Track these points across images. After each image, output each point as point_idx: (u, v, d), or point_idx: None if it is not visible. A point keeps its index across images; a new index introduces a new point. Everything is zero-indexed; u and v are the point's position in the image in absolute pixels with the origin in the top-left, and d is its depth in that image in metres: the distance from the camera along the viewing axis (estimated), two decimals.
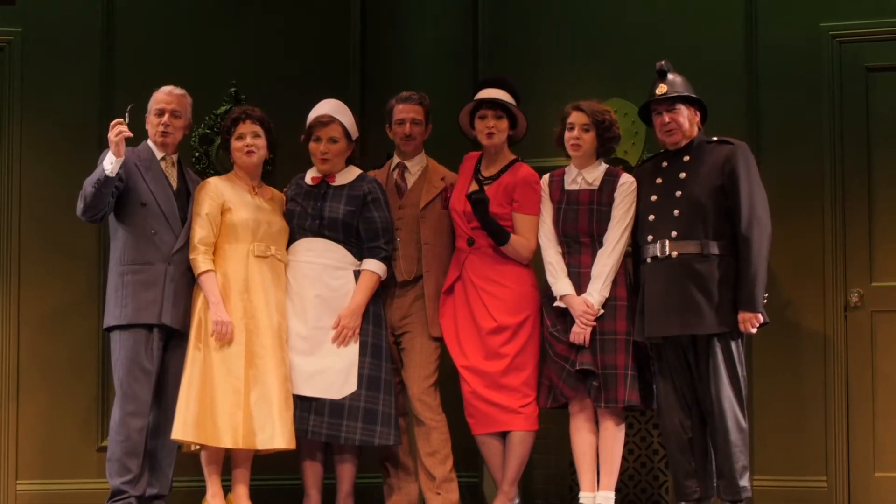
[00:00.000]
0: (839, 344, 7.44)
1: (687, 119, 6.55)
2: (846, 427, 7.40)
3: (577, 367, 6.42)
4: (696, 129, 6.60)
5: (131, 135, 6.35)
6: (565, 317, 6.50)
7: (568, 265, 6.56)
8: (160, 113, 6.63)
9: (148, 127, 6.68)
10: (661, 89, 6.55)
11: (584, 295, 6.46)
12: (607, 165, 6.66)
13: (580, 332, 6.43)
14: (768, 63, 7.63)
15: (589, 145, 6.59)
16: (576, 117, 6.59)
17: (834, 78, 7.53)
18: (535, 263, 6.72)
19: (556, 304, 6.53)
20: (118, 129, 6.30)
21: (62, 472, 7.54)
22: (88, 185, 6.40)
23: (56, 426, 7.57)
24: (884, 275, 7.45)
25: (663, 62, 6.59)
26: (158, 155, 6.65)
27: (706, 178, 6.46)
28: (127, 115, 6.42)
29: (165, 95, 6.66)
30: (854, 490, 7.39)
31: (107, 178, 6.34)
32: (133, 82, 7.31)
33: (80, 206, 6.49)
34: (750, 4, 7.68)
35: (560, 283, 6.53)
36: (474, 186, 6.73)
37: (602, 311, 6.47)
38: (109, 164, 6.32)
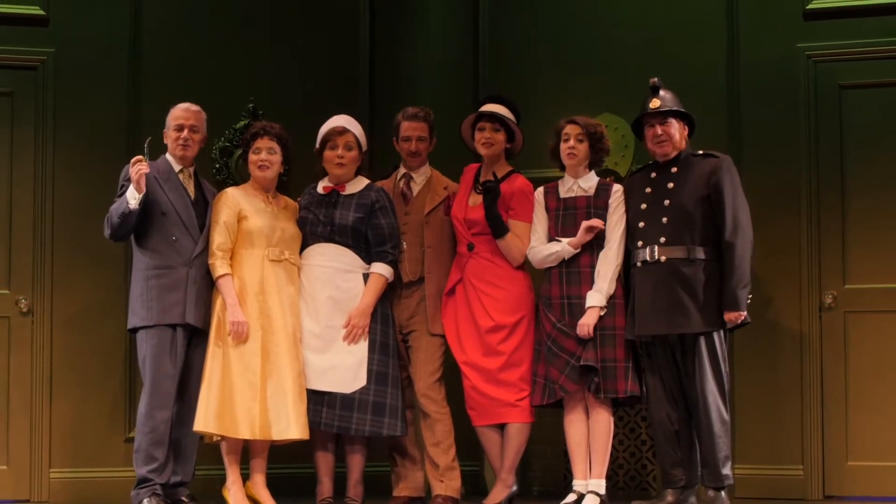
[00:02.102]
0: (814, 342, 7.47)
1: (677, 132, 6.58)
2: (821, 419, 7.43)
3: (581, 363, 6.43)
4: (684, 143, 6.62)
5: (148, 170, 6.37)
6: (573, 314, 6.51)
7: (566, 266, 6.56)
8: (179, 128, 6.63)
9: (167, 141, 6.68)
10: (655, 103, 6.57)
11: (589, 293, 6.47)
12: (598, 178, 6.70)
13: (585, 325, 6.45)
14: (749, 80, 7.66)
15: (583, 154, 6.60)
16: (570, 129, 6.61)
17: (810, 95, 7.57)
18: (532, 268, 6.76)
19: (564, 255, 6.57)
20: (138, 168, 6.34)
21: (92, 461, 7.57)
22: (115, 215, 6.44)
23: (86, 418, 7.59)
24: (856, 278, 7.48)
25: (656, 79, 6.61)
26: (176, 168, 6.65)
27: (693, 188, 6.47)
28: (146, 149, 6.45)
29: (183, 112, 6.66)
30: (828, 478, 7.42)
31: (131, 212, 6.38)
32: (157, 99, 7.30)
33: (107, 231, 6.55)
34: (732, 26, 7.71)
35: (557, 246, 6.54)
36: (476, 197, 6.78)
37: (605, 308, 6.52)
38: (133, 199, 6.35)
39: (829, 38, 7.57)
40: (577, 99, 7.66)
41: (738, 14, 7.70)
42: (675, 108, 6.58)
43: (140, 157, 6.37)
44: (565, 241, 6.55)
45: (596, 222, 6.52)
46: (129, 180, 6.43)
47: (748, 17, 7.68)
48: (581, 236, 6.52)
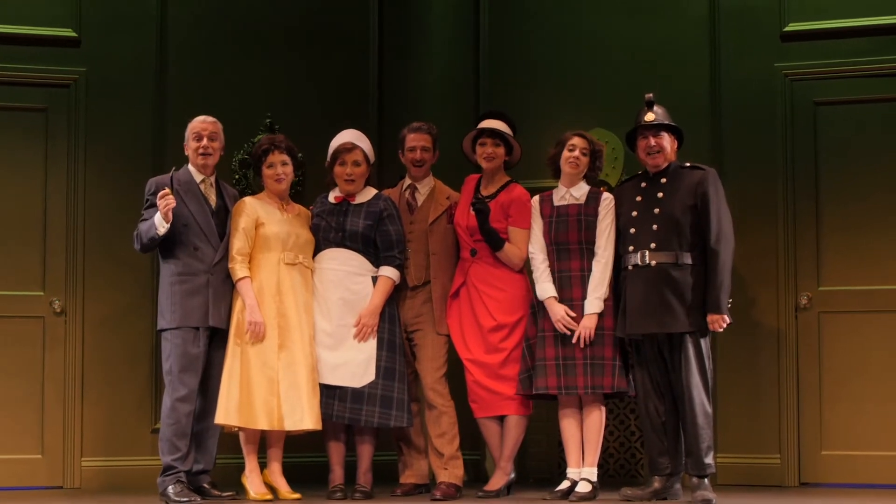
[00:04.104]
0: (791, 340, 7.48)
1: (668, 144, 6.58)
2: (797, 412, 7.44)
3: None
4: (673, 155, 6.62)
5: (175, 204, 6.38)
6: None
7: (559, 270, 6.58)
8: (198, 138, 6.64)
9: (188, 152, 6.69)
10: (650, 117, 6.56)
11: (588, 301, 6.50)
12: (589, 187, 6.72)
13: (587, 328, 6.46)
14: (730, 98, 7.68)
15: (583, 166, 6.62)
16: (578, 141, 6.62)
17: (786, 111, 7.58)
18: (531, 270, 6.77)
19: (540, 299, 6.60)
20: (165, 202, 6.35)
21: (120, 450, 7.58)
22: (144, 236, 6.48)
23: (115, 411, 7.60)
24: (829, 281, 7.49)
25: (650, 95, 6.61)
26: (198, 178, 6.65)
27: (681, 198, 6.47)
28: (171, 181, 6.47)
29: (201, 123, 6.67)
30: (804, 466, 7.43)
31: (159, 236, 6.42)
32: (182, 115, 7.23)
33: (136, 245, 6.58)
34: (714, 48, 7.73)
35: (544, 286, 6.58)
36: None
37: (574, 315, 6.52)
38: (162, 227, 6.38)
39: (804, 58, 7.58)
40: (571, 114, 7.67)
41: (720, 36, 7.72)
42: (668, 123, 6.61)
43: (167, 190, 6.39)
44: (550, 295, 6.55)
45: (565, 325, 6.52)
46: (154, 194, 6.45)
47: (729, 39, 7.70)
48: (555, 321, 6.53)
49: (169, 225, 6.39)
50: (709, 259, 6.41)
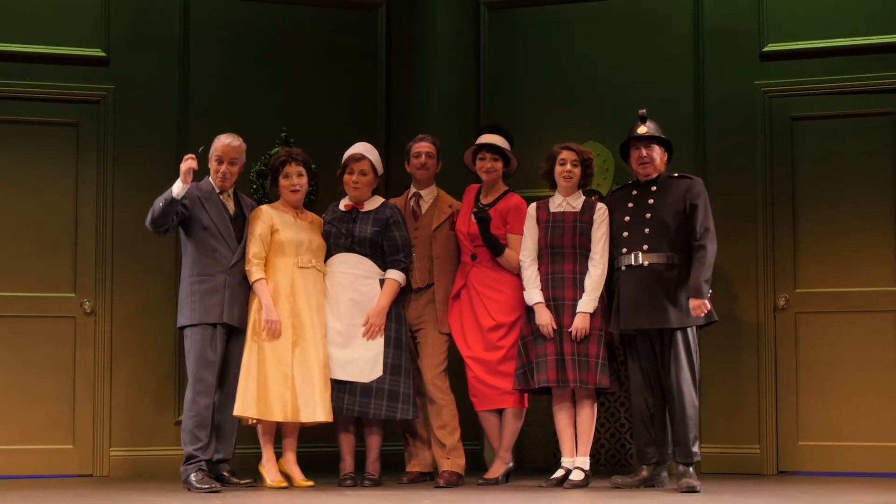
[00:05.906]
0: (769, 338, 7.51)
1: (658, 156, 6.61)
2: (775, 405, 7.46)
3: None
4: (663, 166, 6.65)
5: (197, 167, 6.42)
6: (558, 313, 6.54)
7: (553, 272, 6.58)
8: (220, 160, 6.64)
9: (210, 166, 6.71)
10: (643, 130, 6.58)
11: (581, 301, 6.52)
12: (584, 197, 6.74)
13: (582, 328, 6.48)
14: (712, 112, 7.70)
15: (577, 178, 6.64)
16: (568, 155, 6.64)
17: (765, 125, 7.61)
18: None
19: (528, 304, 6.64)
20: (188, 163, 6.39)
21: (146, 440, 7.59)
22: (158, 202, 6.46)
23: (141, 404, 7.62)
24: (805, 283, 7.52)
25: (644, 110, 6.63)
26: (217, 189, 6.69)
27: (671, 204, 6.51)
28: (200, 153, 6.51)
29: (224, 146, 6.65)
30: (781, 455, 7.46)
31: (173, 199, 6.41)
32: (203, 129, 7.29)
33: (148, 218, 6.55)
34: (698, 66, 7.75)
35: (531, 293, 6.61)
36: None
37: (556, 328, 6.55)
38: (178, 188, 6.39)
39: (782, 76, 7.61)
40: (564, 128, 7.65)
41: (703, 55, 7.74)
42: (658, 135, 6.65)
43: (192, 154, 6.42)
44: (536, 300, 6.57)
45: (546, 331, 6.55)
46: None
47: (712, 58, 7.72)
48: (540, 324, 6.56)
49: (186, 188, 6.36)
50: (694, 252, 6.42)
